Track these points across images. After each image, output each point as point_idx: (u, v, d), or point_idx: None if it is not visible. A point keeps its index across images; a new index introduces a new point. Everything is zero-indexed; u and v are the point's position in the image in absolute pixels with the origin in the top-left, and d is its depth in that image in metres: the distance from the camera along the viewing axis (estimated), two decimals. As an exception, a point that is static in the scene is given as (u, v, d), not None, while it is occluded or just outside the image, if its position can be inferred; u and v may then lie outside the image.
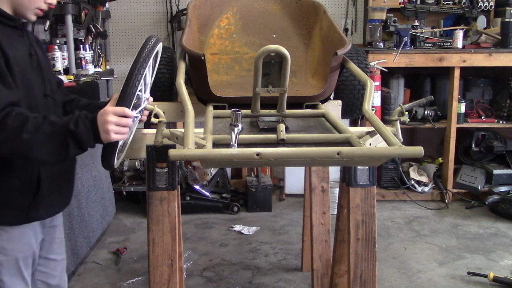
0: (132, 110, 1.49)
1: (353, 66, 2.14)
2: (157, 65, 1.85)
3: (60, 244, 1.89)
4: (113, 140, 1.45)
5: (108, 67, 4.53)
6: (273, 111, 1.94)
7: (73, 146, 1.42)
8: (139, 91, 1.52)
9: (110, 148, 1.51)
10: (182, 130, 1.58)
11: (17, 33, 1.60)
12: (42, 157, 1.43)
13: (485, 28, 4.36)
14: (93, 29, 3.94)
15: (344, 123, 1.82)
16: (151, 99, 1.75)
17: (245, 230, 3.80)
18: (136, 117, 1.59)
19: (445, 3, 4.47)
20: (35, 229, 1.67)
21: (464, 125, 4.40)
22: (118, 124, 1.44)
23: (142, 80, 1.49)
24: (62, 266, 1.90)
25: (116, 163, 1.59)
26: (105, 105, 1.76)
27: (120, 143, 1.56)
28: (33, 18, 1.63)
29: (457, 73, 4.21)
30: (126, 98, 1.46)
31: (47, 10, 1.66)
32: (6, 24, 1.55)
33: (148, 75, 1.63)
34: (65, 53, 3.59)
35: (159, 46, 1.67)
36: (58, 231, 1.88)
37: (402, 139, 1.62)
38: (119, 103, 1.46)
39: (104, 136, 1.44)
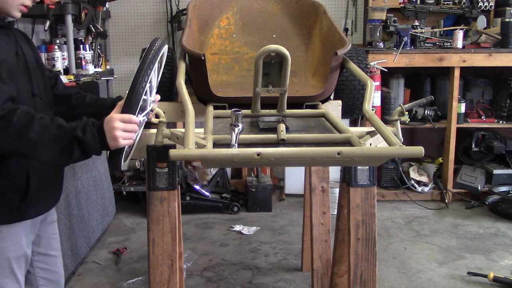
0: (138, 113, 1.50)
1: (353, 66, 2.14)
2: (162, 67, 1.85)
3: (57, 240, 1.89)
4: (121, 146, 1.45)
5: (108, 67, 4.53)
6: (273, 111, 1.94)
7: (78, 152, 1.41)
8: (145, 94, 1.52)
9: (117, 151, 1.51)
10: (183, 130, 1.58)
11: (3, 32, 1.58)
12: (44, 159, 1.42)
13: (485, 28, 4.36)
14: (93, 29, 3.93)
15: (344, 123, 1.82)
16: (158, 97, 1.75)
17: (245, 230, 3.80)
18: (142, 120, 1.59)
19: (445, 3, 4.47)
20: (25, 229, 1.66)
21: (464, 125, 4.40)
22: (125, 130, 1.44)
23: (147, 84, 1.49)
24: (60, 261, 1.91)
25: (123, 165, 1.60)
26: (110, 102, 1.76)
27: (127, 146, 1.56)
28: (18, 15, 1.60)
29: (457, 73, 4.21)
30: (132, 103, 1.46)
31: (31, 6, 1.63)
32: None
33: (154, 78, 1.63)
34: (65, 53, 3.60)
35: (165, 49, 1.67)
36: (55, 227, 1.88)
37: (402, 139, 1.62)
38: (125, 107, 1.46)
39: (112, 143, 1.44)
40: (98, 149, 1.44)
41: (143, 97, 1.50)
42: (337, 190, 2.97)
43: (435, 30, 4.46)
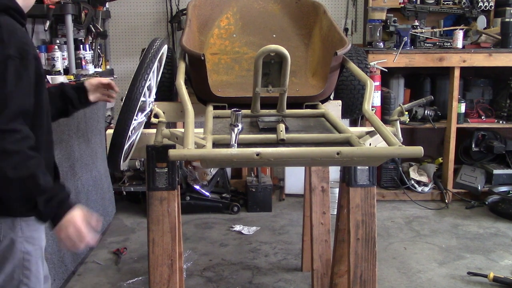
0: (137, 114, 1.50)
1: (353, 66, 2.14)
2: (162, 67, 1.85)
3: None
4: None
5: (108, 67, 4.53)
6: (273, 111, 1.94)
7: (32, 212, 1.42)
8: (143, 96, 1.52)
9: (116, 151, 1.51)
10: (182, 130, 1.58)
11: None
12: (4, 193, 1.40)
13: (485, 28, 4.36)
14: (93, 29, 3.94)
15: (344, 123, 1.82)
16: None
17: (245, 230, 3.80)
18: (141, 120, 1.60)
19: (445, 3, 4.47)
20: None
21: (464, 125, 4.40)
22: (76, 236, 1.44)
23: (146, 86, 1.50)
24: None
25: (123, 165, 1.60)
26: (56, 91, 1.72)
27: (126, 145, 1.56)
28: None
29: (457, 73, 4.21)
30: (130, 105, 1.46)
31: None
32: (20, 22, 1.51)
33: (153, 79, 1.64)
34: (65, 53, 3.60)
35: (164, 48, 1.67)
36: None
37: (402, 139, 1.62)
38: (124, 109, 1.46)
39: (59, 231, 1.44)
40: (47, 222, 1.45)
41: (142, 98, 1.50)
42: (337, 190, 2.97)
43: (435, 30, 4.46)
